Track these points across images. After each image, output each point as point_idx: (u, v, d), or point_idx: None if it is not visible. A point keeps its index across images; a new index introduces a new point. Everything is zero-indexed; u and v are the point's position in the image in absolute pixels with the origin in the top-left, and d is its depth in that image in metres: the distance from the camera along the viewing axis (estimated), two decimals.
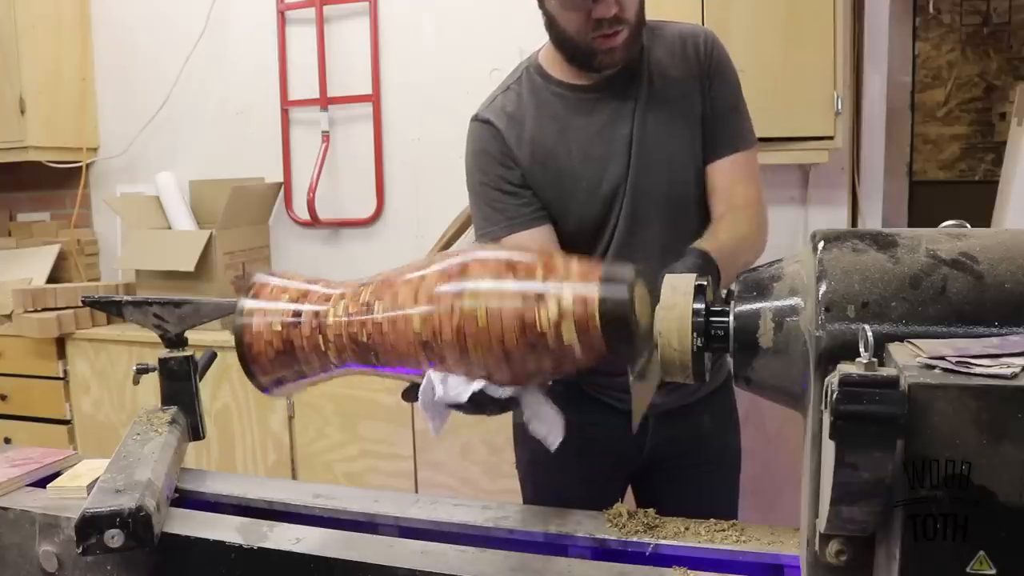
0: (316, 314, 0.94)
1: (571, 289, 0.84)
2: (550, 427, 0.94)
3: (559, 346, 0.85)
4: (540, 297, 0.84)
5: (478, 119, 1.47)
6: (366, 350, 0.92)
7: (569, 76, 1.38)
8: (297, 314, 0.94)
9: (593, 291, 0.84)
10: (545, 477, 1.51)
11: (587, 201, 1.36)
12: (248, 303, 0.97)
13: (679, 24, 1.44)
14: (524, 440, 1.55)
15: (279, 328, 0.94)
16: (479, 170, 1.44)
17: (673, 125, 1.36)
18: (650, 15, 1.60)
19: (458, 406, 0.89)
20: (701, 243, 1.23)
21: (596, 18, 1.25)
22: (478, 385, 0.87)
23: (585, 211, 1.37)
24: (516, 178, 1.39)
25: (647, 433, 1.45)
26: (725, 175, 1.37)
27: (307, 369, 0.96)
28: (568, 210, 1.37)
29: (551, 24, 1.33)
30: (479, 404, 0.89)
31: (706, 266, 1.14)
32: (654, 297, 0.79)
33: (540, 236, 1.36)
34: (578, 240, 1.38)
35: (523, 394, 0.91)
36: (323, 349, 0.93)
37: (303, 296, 0.96)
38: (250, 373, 0.97)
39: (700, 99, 1.37)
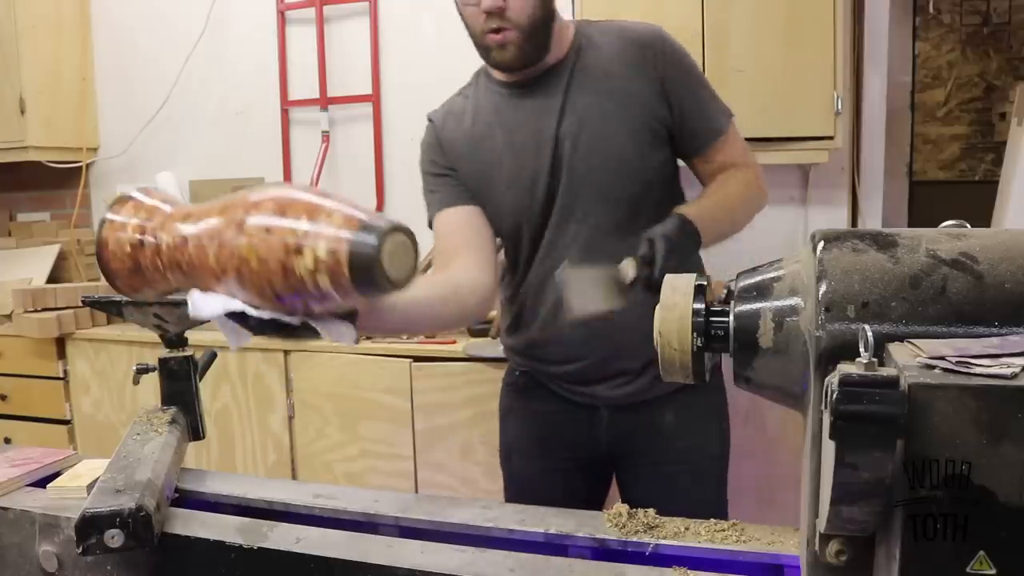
0: (155, 236, 1.00)
1: (326, 241, 0.91)
2: (341, 335, 1.01)
3: (319, 291, 0.93)
4: (298, 249, 0.91)
5: (428, 118, 1.59)
6: (187, 276, 0.99)
7: (506, 76, 1.46)
8: (142, 232, 1.00)
9: (344, 243, 0.90)
10: (517, 467, 1.57)
11: (506, 190, 1.42)
12: (108, 215, 1.02)
13: (625, 25, 1.45)
14: (504, 431, 1.61)
15: (128, 248, 1.01)
16: (421, 161, 1.54)
17: (609, 123, 1.39)
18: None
19: (248, 327, 0.97)
20: (684, 207, 1.32)
21: (484, 11, 1.34)
22: (233, 304, 0.96)
23: (504, 199, 1.43)
24: (445, 165, 1.48)
25: (601, 424, 1.48)
26: (714, 162, 1.44)
27: (157, 285, 1.03)
28: (490, 198, 1.44)
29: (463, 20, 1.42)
30: (268, 327, 0.96)
31: (684, 228, 1.25)
32: (416, 245, 0.93)
33: (466, 215, 1.44)
34: (507, 228, 1.45)
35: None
36: (162, 270, 1.00)
37: (151, 215, 1.01)
38: (111, 284, 1.05)
39: (657, 102, 1.39)
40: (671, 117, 1.40)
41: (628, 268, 1.21)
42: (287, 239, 0.92)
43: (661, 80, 1.38)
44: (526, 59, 1.38)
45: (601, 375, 1.45)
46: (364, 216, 0.93)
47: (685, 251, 1.24)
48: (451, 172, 1.47)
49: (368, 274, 0.91)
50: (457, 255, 1.40)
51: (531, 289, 1.47)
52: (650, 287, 1.17)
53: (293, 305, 0.96)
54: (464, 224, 1.44)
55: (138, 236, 1.00)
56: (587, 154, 1.39)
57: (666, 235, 1.21)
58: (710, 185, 1.42)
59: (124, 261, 1.02)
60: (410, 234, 0.96)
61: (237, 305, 0.97)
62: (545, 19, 1.36)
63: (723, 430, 1.54)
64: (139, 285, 1.04)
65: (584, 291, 1.21)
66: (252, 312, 0.96)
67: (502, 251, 1.52)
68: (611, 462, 1.53)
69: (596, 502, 1.56)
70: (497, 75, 1.48)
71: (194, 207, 1.00)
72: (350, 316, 1.03)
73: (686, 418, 1.47)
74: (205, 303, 0.98)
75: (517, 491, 1.56)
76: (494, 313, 2.48)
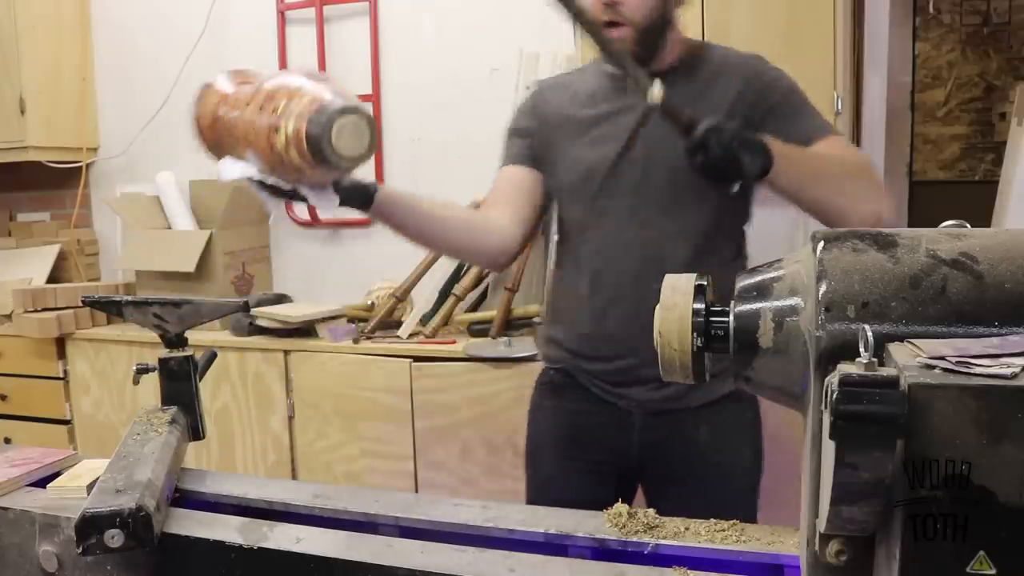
0: (216, 112, 1.24)
1: (294, 120, 1.10)
2: (324, 201, 1.22)
3: (292, 164, 1.12)
4: (276, 128, 1.12)
5: (535, 84, 1.64)
6: (231, 146, 1.22)
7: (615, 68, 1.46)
8: (212, 110, 1.26)
9: (303, 122, 1.09)
10: (542, 464, 1.56)
11: (574, 172, 1.46)
12: (202, 89, 1.32)
13: (729, 50, 1.48)
14: (531, 428, 1.59)
15: (203, 122, 1.27)
16: (509, 122, 1.59)
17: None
18: None
19: (260, 189, 1.22)
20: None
21: (602, 1, 1.34)
22: (250, 171, 1.20)
23: (571, 179, 1.47)
24: (527, 127, 1.53)
25: (633, 429, 1.46)
26: (823, 147, 1.40)
27: (222, 152, 1.25)
28: (558, 174, 1.50)
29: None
30: (269, 190, 1.22)
31: (748, 133, 1.23)
32: (371, 126, 1.12)
33: (521, 174, 1.52)
34: (570, 210, 1.50)
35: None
36: (218, 140, 1.23)
37: (225, 98, 1.26)
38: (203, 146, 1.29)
39: (744, 109, 1.39)
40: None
41: (656, 89, 1.21)
42: (271, 119, 1.12)
43: (752, 105, 1.39)
44: (637, 54, 1.36)
45: (638, 377, 1.43)
46: (328, 98, 1.11)
47: (752, 144, 1.22)
48: (529, 136, 1.53)
49: (319, 148, 1.09)
50: (498, 204, 1.51)
51: (587, 280, 1.46)
52: (682, 128, 1.22)
53: (283, 175, 1.16)
54: (517, 181, 1.51)
55: (208, 113, 1.26)
56: (656, 163, 1.40)
57: (736, 126, 1.22)
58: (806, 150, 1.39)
59: (203, 132, 1.30)
60: (364, 115, 1.13)
61: (252, 172, 1.19)
62: (661, 24, 1.39)
63: (757, 447, 1.50)
64: (215, 151, 1.28)
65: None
66: (257, 177, 1.18)
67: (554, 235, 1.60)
68: (639, 471, 1.50)
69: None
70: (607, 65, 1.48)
71: (248, 89, 1.23)
72: (366, 201, 1.29)
73: (720, 432, 1.44)
74: (227, 168, 1.22)
75: (539, 490, 1.54)
76: (493, 313, 2.48)
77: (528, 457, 1.59)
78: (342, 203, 1.29)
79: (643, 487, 1.53)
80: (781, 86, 1.44)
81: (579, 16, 1.26)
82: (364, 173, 1.29)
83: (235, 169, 1.20)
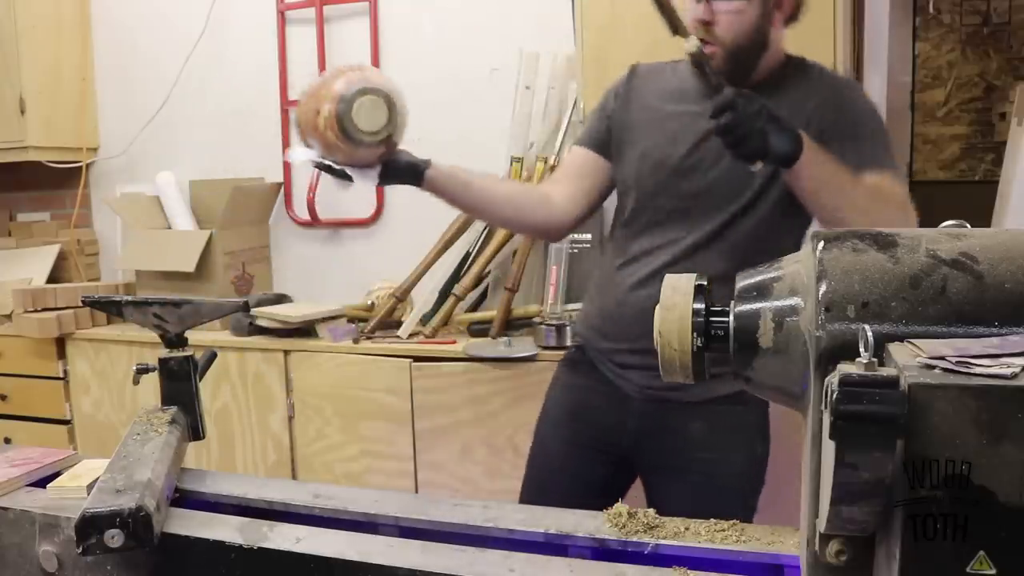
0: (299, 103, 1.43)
1: (328, 104, 1.32)
2: (366, 177, 1.43)
3: (332, 143, 1.33)
4: (318, 112, 1.33)
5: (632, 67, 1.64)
6: (302, 135, 1.42)
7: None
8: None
9: (334, 105, 1.31)
10: (544, 434, 1.62)
11: (642, 160, 1.49)
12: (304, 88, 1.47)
13: (827, 70, 1.49)
14: (546, 396, 1.66)
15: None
16: (601, 97, 1.62)
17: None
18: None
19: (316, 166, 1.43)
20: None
21: (693, 19, 1.37)
22: (311, 154, 1.40)
23: (637, 167, 1.50)
24: (612, 108, 1.56)
25: (630, 413, 1.50)
26: (873, 178, 1.37)
27: (303, 139, 1.42)
28: (628, 158, 1.52)
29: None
30: (324, 168, 1.42)
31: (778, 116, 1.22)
32: (389, 103, 1.35)
33: (588, 158, 1.57)
34: (628, 194, 1.53)
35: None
36: (299, 128, 1.43)
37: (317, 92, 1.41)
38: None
39: (813, 132, 1.36)
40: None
41: (690, 44, 1.29)
42: (316, 105, 1.33)
43: (821, 121, 1.37)
44: (727, 71, 1.38)
45: (644, 362, 1.45)
46: (354, 82, 1.33)
47: (773, 122, 1.21)
48: (608, 118, 1.56)
49: (347, 127, 1.31)
50: (561, 181, 1.59)
51: (624, 262, 1.51)
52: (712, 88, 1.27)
53: (333, 155, 1.36)
54: (582, 164, 1.57)
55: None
56: (715, 170, 1.42)
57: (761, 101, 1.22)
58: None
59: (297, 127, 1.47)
60: (382, 94, 1.35)
61: (313, 155, 1.39)
62: (752, 48, 1.40)
63: (754, 453, 1.50)
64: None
65: None
66: (316, 158, 1.39)
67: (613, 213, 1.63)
68: (633, 456, 1.52)
69: (613, 493, 1.52)
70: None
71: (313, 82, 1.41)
72: (415, 172, 1.44)
73: (712, 431, 1.46)
74: (294, 153, 1.44)
75: (536, 456, 1.61)
76: (493, 313, 2.48)
77: (536, 425, 1.66)
78: (394, 181, 1.46)
79: (640, 474, 1.56)
80: (857, 110, 1.41)
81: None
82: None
83: (300, 153, 1.41)
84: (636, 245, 1.50)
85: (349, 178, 1.41)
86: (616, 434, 1.52)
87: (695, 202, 1.44)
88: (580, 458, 1.55)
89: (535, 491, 1.59)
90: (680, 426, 1.46)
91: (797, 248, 1.41)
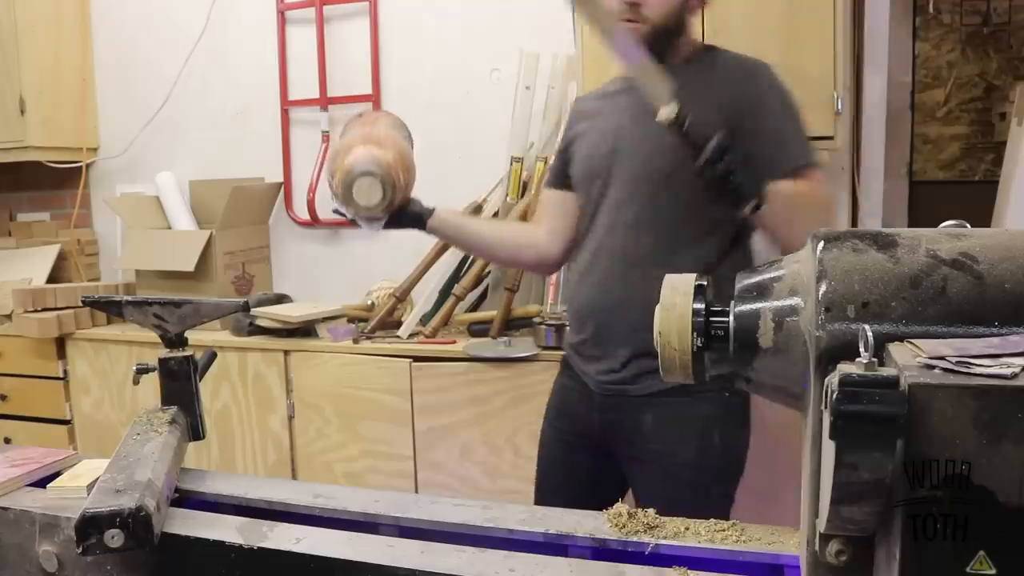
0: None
1: (337, 175, 1.56)
2: (370, 226, 1.64)
3: (340, 204, 1.59)
4: (330, 181, 1.60)
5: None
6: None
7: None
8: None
9: (338, 179, 1.56)
10: (543, 431, 1.72)
11: (581, 167, 1.61)
12: (348, 125, 1.74)
13: (742, 55, 1.53)
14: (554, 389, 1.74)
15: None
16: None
17: (665, 142, 1.42)
18: None
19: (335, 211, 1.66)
20: None
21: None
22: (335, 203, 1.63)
23: (579, 171, 1.62)
24: (567, 139, 1.70)
25: (595, 406, 1.57)
26: (785, 185, 1.43)
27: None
28: (575, 166, 1.64)
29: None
30: (340, 214, 1.64)
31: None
32: (384, 184, 1.54)
33: (559, 197, 1.69)
34: (581, 196, 1.63)
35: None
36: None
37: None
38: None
39: (729, 115, 1.41)
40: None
41: (668, 110, 1.29)
42: (333, 166, 1.59)
43: (751, 102, 1.44)
44: (649, 48, 1.45)
45: (593, 354, 1.57)
46: (359, 160, 1.54)
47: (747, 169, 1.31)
48: (563, 152, 1.69)
49: (347, 198, 1.56)
50: (541, 221, 1.74)
51: (581, 257, 1.61)
52: (687, 140, 1.30)
53: (344, 210, 1.60)
54: (554, 204, 1.70)
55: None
56: (635, 145, 1.51)
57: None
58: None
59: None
60: (377, 177, 1.54)
61: (335, 203, 1.62)
62: (675, 28, 1.49)
63: (710, 440, 1.52)
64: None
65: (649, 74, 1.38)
66: (336, 203, 1.61)
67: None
68: (608, 448, 1.58)
69: (605, 484, 1.57)
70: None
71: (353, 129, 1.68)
72: (419, 221, 1.65)
73: (662, 423, 1.50)
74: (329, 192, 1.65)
75: (539, 454, 1.72)
76: (493, 313, 2.48)
77: (544, 416, 1.76)
78: (401, 226, 1.66)
79: (620, 464, 1.61)
80: (771, 103, 1.46)
81: (600, 23, 1.38)
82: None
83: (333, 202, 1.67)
84: (588, 239, 1.60)
85: (357, 225, 1.65)
86: (590, 427, 1.60)
87: (624, 200, 1.53)
88: (568, 452, 1.64)
89: (538, 486, 1.70)
90: (636, 418, 1.52)
91: (718, 224, 1.47)
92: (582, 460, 1.61)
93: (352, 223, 1.65)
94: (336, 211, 1.67)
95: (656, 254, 1.48)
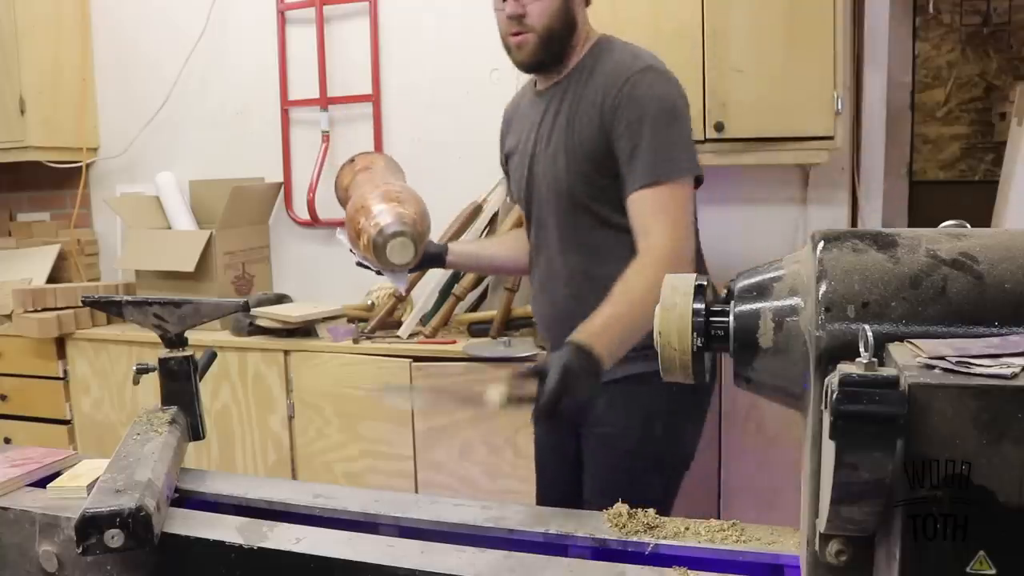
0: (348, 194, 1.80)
1: (367, 235, 1.63)
2: (396, 279, 1.81)
3: (372, 259, 1.66)
4: (359, 235, 1.65)
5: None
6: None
7: (532, 76, 1.66)
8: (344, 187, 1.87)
9: (370, 239, 1.62)
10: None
11: (514, 181, 1.69)
12: (342, 167, 1.90)
13: (623, 56, 1.51)
14: None
15: (342, 190, 1.87)
16: None
17: (560, 145, 1.52)
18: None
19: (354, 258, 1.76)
20: (588, 326, 1.31)
21: (507, 15, 1.51)
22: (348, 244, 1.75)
23: (513, 187, 1.70)
24: (503, 156, 1.78)
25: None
26: (635, 209, 1.45)
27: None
28: (511, 182, 1.73)
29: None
30: (363, 266, 1.74)
31: (580, 362, 1.23)
32: (414, 241, 1.62)
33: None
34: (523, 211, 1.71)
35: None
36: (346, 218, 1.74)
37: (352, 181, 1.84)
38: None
39: (601, 138, 1.47)
40: (610, 149, 1.47)
41: (494, 394, 1.16)
42: (355, 226, 1.67)
43: (612, 119, 1.46)
44: (539, 62, 1.56)
45: (560, 344, 1.55)
46: (388, 221, 1.62)
47: (580, 383, 1.22)
48: (505, 164, 1.76)
49: (381, 259, 1.63)
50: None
51: (533, 275, 1.71)
52: (538, 415, 1.18)
53: (369, 262, 1.69)
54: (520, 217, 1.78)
55: (343, 187, 1.85)
56: (543, 169, 1.56)
57: (560, 371, 1.19)
58: (615, 288, 1.37)
59: (341, 199, 1.87)
60: (409, 236, 1.62)
61: (353, 249, 1.72)
62: (563, 30, 1.52)
63: (652, 432, 1.53)
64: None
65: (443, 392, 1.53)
66: (357, 256, 1.72)
67: None
68: (575, 426, 1.64)
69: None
70: (537, 79, 1.66)
71: (358, 180, 1.79)
72: (439, 260, 1.77)
73: (610, 409, 1.54)
74: (342, 237, 1.79)
75: (534, 438, 1.81)
76: (493, 313, 2.48)
77: None
78: (422, 268, 1.85)
79: None
80: (646, 106, 1.44)
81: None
82: None
83: (345, 241, 1.76)
84: (532, 249, 1.69)
85: (379, 273, 1.73)
86: (566, 411, 1.61)
87: (541, 206, 1.60)
88: (555, 434, 1.71)
89: (536, 467, 1.79)
90: (592, 404, 1.54)
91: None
92: (569, 442, 1.65)
93: (377, 272, 1.73)
94: (360, 264, 1.75)
95: (584, 271, 1.54)
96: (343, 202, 1.83)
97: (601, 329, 1.31)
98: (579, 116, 1.50)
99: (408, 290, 2.60)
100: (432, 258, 1.75)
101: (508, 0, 1.50)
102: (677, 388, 1.44)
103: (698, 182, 1.51)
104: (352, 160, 1.87)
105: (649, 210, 1.43)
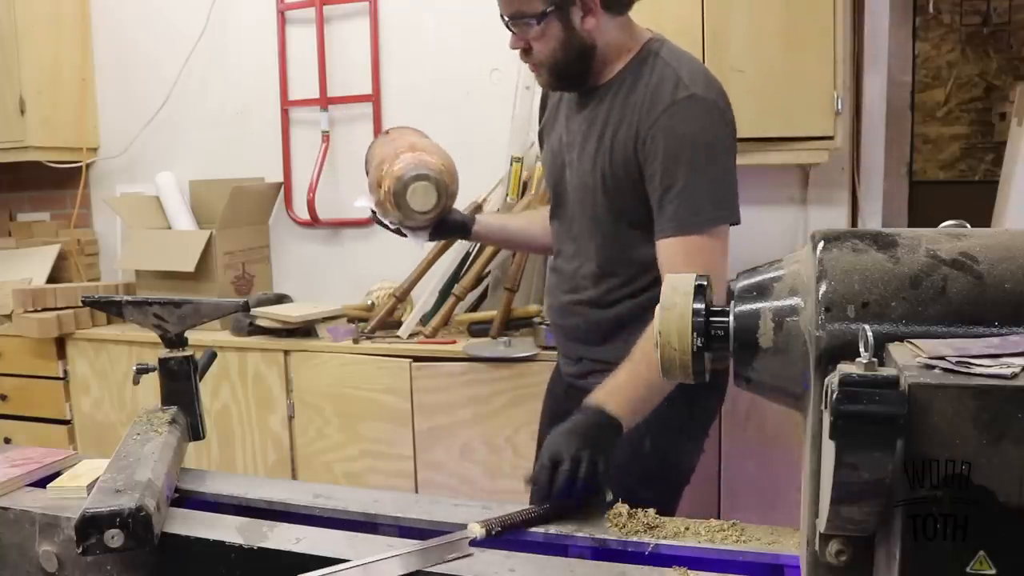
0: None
1: (388, 181, 1.54)
2: (417, 238, 1.65)
3: (389, 211, 1.57)
4: (380, 183, 1.56)
5: None
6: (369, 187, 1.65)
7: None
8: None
9: (391, 184, 1.53)
10: (543, 404, 1.78)
11: (547, 171, 1.64)
12: (375, 142, 1.74)
13: (669, 73, 1.40)
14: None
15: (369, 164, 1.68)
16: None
17: (592, 160, 1.45)
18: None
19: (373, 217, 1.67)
20: (605, 386, 1.32)
21: (511, 48, 1.45)
22: (369, 203, 1.65)
23: (546, 176, 1.65)
24: (539, 133, 1.71)
25: (566, 395, 1.60)
26: (662, 256, 1.39)
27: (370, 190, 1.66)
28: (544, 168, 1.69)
29: None
30: (383, 225, 1.66)
31: (598, 415, 1.26)
32: (438, 186, 1.55)
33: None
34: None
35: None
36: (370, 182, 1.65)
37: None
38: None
39: (634, 162, 1.39)
40: (645, 186, 1.40)
41: (475, 528, 1.05)
42: (378, 175, 1.57)
43: (645, 152, 1.37)
44: (558, 86, 1.52)
45: (562, 349, 1.64)
46: (410, 165, 1.54)
47: (600, 446, 1.21)
48: (541, 142, 1.71)
49: (401, 204, 1.53)
50: None
51: (551, 264, 1.68)
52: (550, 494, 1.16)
53: (389, 217, 1.59)
54: None
55: (370, 159, 1.68)
56: (574, 175, 1.51)
57: (577, 440, 1.20)
58: (636, 345, 1.35)
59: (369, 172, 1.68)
60: (433, 180, 1.54)
61: (370, 207, 1.64)
62: (574, 58, 1.42)
63: (641, 447, 1.47)
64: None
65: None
66: (377, 216, 1.63)
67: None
68: None
69: None
70: None
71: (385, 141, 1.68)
72: (463, 228, 1.67)
73: None
74: (360, 201, 1.69)
75: (539, 432, 1.76)
76: (493, 313, 2.48)
77: None
78: (445, 235, 1.71)
79: None
80: (665, 149, 1.35)
81: None
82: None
83: (365, 202, 1.66)
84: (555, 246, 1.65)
85: (403, 234, 1.64)
86: (564, 412, 1.58)
87: (572, 214, 1.54)
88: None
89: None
90: (577, 403, 1.51)
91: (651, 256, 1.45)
92: None
93: (396, 232, 1.65)
94: (379, 221, 1.65)
95: (611, 268, 1.49)
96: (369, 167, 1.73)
97: (617, 390, 1.29)
98: (615, 136, 1.41)
99: (408, 290, 2.59)
100: (457, 226, 1.67)
101: (512, 35, 1.42)
102: (668, 406, 1.45)
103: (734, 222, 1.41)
104: (387, 132, 1.78)
105: (676, 261, 1.35)
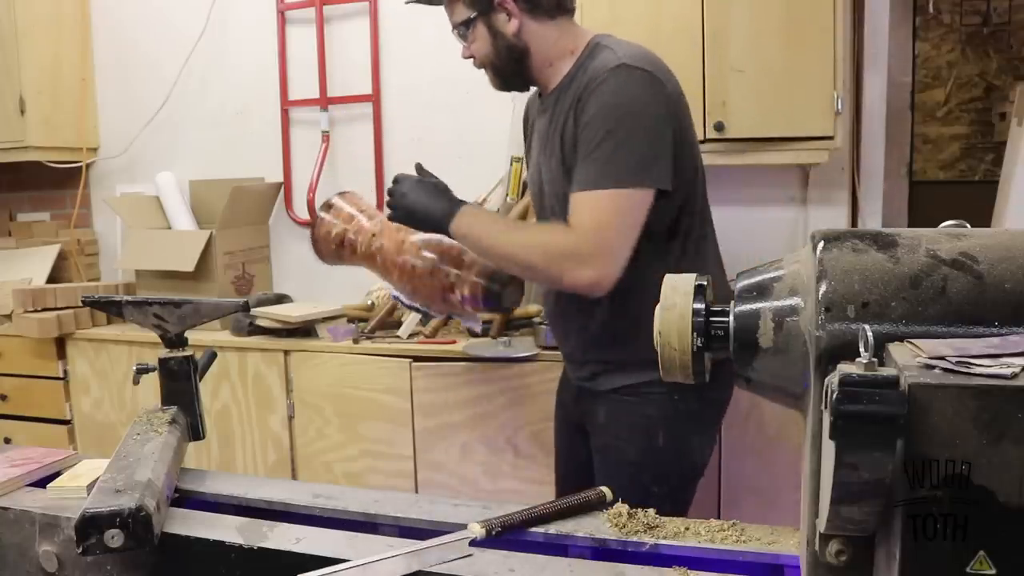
0: (355, 238, 1.68)
1: (470, 287, 1.56)
2: (473, 323, 1.78)
3: (463, 311, 1.62)
4: (452, 288, 1.58)
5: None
6: (375, 271, 1.67)
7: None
8: (343, 236, 1.69)
9: (480, 287, 1.57)
10: (555, 411, 1.82)
11: (528, 180, 1.69)
12: (320, 214, 1.71)
13: (607, 55, 1.44)
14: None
15: (332, 245, 1.71)
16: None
17: (545, 152, 1.54)
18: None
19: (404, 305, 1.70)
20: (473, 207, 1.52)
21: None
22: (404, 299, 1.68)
23: (528, 185, 1.72)
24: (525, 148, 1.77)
25: (575, 398, 1.66)
26: (570, 209, 1.42)
27: (351, 265, 1.71)
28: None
29: None
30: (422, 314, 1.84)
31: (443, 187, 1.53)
32: (522, 285, 1.61)
33: None
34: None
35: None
36: (356, 261, 1.69)
37: (349, 222, 1.68)
38: (320, 259, 1.76)
39: (564, 135, 1.47)
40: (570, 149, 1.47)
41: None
42: (445, 280, 1.57)
43: (577, 120, 1.43)
44: (503, 87, 1.62)
45: (564, 351, 1.67)
46: (488, 270, 1.54)
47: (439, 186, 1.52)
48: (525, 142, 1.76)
49: (495, 304, 1.58)
50: None
51: None
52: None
53: (444, 312, 1.70)
54: None
55: (340, 237, 1.68)
56: (548, 185, 1.55)
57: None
58: (528, 223, 1.47)
59: (329, 248, 1.72)
60: (518, 283, 1.58)
61: (399, 296, 1.68)
62: (510, 62, 1.53)
63: (654, 443, 1.50)
64: (338, 264, 1.74)
65: None
66: (404, 301, 1.67)
67: None
68: (586, 432, 1.64)
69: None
70: None
71: (379, 225, 1.64)
72: (497, 300, 1.61)
73: (615, 418, 1.54)
74: (398, 296, 1.70)
75: (554, 438, 1.81)
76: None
77: None
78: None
79: None
80: (590, 116, 1.39)
81: None
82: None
83: (402, 296, 1.68)
84: None
85: (434, 316, 1.75)
86: (572, 413, 1.68)
87: (550, 213, 1.56)
88: (568, 440, 1.72)
89: (555, 467, 1.80)
90: (594, 411, 1.58)
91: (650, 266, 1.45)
92: (581, 448, 1.66)
93: (425, 315, 1.75)
94: (410, 306, 1.69)
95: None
96: (327, 255, 1.73)
97: (479, 212, 1.50)
98: (566, 125, 1.46)
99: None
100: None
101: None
102: (679, 399, 1.47)
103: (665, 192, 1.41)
104: (329, 205, 1.71)
105: (581, 213, 1.38)
